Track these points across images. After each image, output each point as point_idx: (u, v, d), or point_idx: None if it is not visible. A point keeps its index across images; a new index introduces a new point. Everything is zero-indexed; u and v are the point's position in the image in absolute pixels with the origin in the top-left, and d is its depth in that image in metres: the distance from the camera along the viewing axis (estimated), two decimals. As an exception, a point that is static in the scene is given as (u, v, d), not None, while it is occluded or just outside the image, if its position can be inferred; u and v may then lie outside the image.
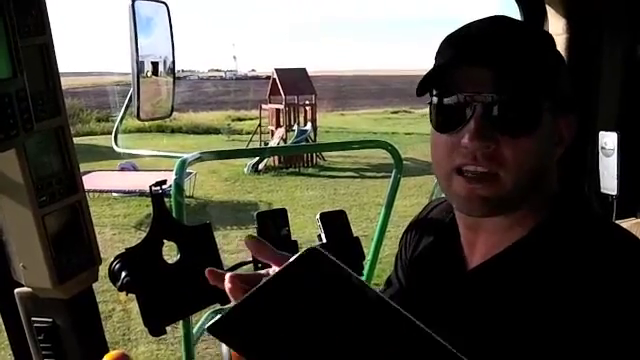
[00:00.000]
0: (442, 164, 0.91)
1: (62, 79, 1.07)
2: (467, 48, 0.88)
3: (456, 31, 0.93)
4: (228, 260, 1.26)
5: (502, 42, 0.87)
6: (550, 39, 0.93)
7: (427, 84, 0.92)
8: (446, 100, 0.89)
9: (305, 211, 8.99)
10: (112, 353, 1.15)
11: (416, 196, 10.33)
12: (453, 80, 0.88)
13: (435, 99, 0.92)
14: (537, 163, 0.88)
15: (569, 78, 0.93)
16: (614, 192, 1.97)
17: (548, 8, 1.80)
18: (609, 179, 2.00)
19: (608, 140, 1.93)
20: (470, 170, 0.87)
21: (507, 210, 0.90)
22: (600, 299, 0.79)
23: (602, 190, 1.97)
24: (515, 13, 1.85)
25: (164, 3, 1.95)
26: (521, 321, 0.84)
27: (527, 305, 0.84)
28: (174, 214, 1.94)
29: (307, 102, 16.90)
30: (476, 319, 0.90)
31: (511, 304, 0.86)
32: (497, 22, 0.92)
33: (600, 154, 1.96)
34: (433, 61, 0.94)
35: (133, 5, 1.79)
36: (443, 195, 1.02)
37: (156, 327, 1.16)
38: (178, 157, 2.26)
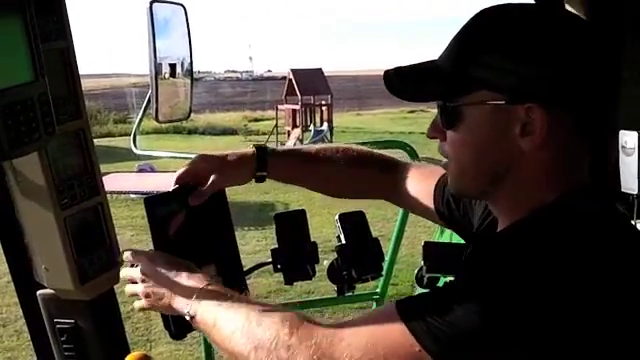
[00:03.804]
0: None
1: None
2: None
3: None
4: (246, 260, 1.27)
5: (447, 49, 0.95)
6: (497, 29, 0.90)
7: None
8: None
9: (322, 211, 8.95)
10: (134, 354, 1.15)
11: (433, 196, 10.28)
12: None
13: None
14: (474, 153, 0.93)
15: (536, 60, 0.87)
16: (635, 191, 1.96)
17: (568, 7, 1.78)
18: (630, 178, 1.98)
19: (629, 139, 1.91)
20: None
21: (471, 193, 1.04)
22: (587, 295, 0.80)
23: (623, 189, 1.96)
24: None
25: (181, 5, 1.96)
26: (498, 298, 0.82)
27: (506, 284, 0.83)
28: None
29: (323, 102, 16.94)
30: (471, 276, 0.91)
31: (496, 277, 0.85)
32: None
33: (621, 153, 1.94)
34: None
35: (151, 7, 1.80)
36: None
37: (177, 331, 1.17)
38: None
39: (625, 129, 1.90)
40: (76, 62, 1.04)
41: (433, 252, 1.88)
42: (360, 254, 1.47)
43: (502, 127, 0.88)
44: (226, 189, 1.25)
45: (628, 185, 1.96)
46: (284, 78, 19.18)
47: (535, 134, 0.87)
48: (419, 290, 2.87)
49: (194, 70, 2.12)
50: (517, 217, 0.92)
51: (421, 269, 1.98)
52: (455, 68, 0.90)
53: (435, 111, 0.96)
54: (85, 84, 1.08)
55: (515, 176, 0.91)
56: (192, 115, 2.26)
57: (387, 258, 2.46)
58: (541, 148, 0.88)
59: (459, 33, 0.93)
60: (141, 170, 12.67)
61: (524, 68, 0.86)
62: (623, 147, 1.93)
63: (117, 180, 11.10)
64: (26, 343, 5.08)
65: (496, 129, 0.89)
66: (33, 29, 0.84)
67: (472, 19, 0.93)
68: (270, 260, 1.36)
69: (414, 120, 25.78)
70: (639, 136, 1.89)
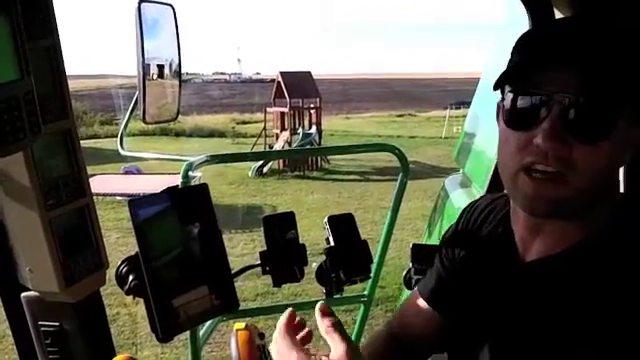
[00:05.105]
0: (511, 161, 0.90)
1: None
2: (551, 47, 0.87)
3: (539, 28, 0.93)
4: (234, 264, 1.26)
5: (588, 43, 0.86)
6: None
7: (501, 79, 0.91)
8: (522, 97, 0.89)
9: (310, 214, 8.98)
10: (119, 357, 1.14)
11: (421, 199, 10.31)
12: (532, 78, 0.87)
13: (510, 95, 0.91)
14: (607, 169, 0.87)
15: None
16: (621, 190, 1.96)
17: (556, 11, 1.79)
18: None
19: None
20: (539, 169, 0.86)
21: (571, 213, 0.90)
22: None
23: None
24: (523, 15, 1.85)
25: (170, 5, 1.95)
26: (567, 321, 0.85)
27: (573, 308, 0.85)
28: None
29: (312, 105, 16.90)
30: (524, 312, 0.93)
31: (558, 304, 0.88)
32: (584, 22, 0.92)
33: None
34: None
35: (139, 7, 1.79)
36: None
37: (163, 333, 1.15)
38: (184, 160, 2.25)
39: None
40: (62, 61, 1.03)
41: (421, 254, 1.87)
42: (349, 256, 1.47)
43: (626, 142, 0.88)
44: (214, 191, 1.24)
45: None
46: (273, 81, 19.10)
47: (633, 150, 0.90)
48: (406, 292, 2.87)
49: (182, 72, 2.11)
50: (579, 236, 0.92)
51: (409, 271, 1.97)
52: (622, 76, 0.85)
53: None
54: (71, 85, 1.07)
55: (609, 189, 0.92)
56: (179, 117, 2.25)
57: (375, 260, 2.46)
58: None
59: (603, 41, 0.87)
60: (127, 172, 12.62)
61: None
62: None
63: (103, 182, 11.04)
64: (10, 347, 5.03)
65: (625, 143, 0.88)
66: (19, 27, 0.82)
67: (609, 29, 0.89)
68: (258, 262, 1.36)
69: (402, 124, 25.87)
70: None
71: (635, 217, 0.93)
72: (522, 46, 0.92)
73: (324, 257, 1.48)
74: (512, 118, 0.90)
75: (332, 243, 1.46)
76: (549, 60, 0.86)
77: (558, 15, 1.80)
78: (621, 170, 1.98)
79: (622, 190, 1.95)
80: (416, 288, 1.28)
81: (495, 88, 0.93)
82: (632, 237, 0.88)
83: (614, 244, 0.88)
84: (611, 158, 0.86)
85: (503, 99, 0.93)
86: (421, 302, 1.25)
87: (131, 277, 1.14)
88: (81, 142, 1.09)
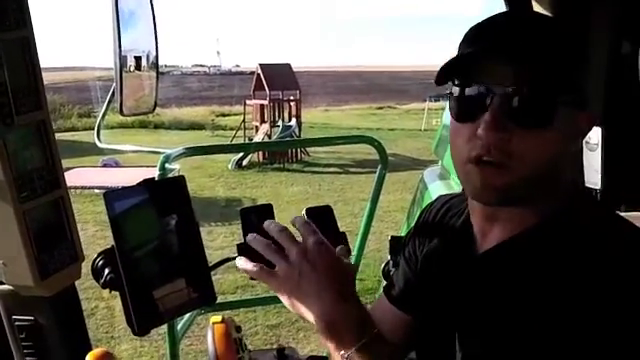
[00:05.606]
0: (459, 153, 0.93)
1: (43, 74, 1.05)
2: (489, 40, 0.90)
3: (481, 23, 0.95)
4: (213, 256, 1.25)
5: (525, 36, 0.89)
6: (577, 34, 0.94)
7: (448, 73, 0.93)
8: (466, 90, 0.91)
9: (289, 207, 8.98)
10: (95, 351, 1.13)
11: (400, 191, 10.36)
12: (472, 71, 0.90)
13: (455, 89, 0.93)
14: (550, 156, 0.89)
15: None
16: (598, 186, 1.99)
17: (534, 3, 1.80)
18: (592, 173, 2.01)
19: (592, 135, 1.94)
20: (485, 160, 0.89)
21: (520, 199, 0.93)
22: (606, 291, 0.81)
23: (586, 184, 1.99)
24: (501, 7, 1.85)
25: (147, -4, 1.93)
26: (527, 303, 0.87)
27: (533, 289, 0.87)
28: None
29: (291, 98, 16.86)
30: (485, 299, 0.94)
31: (518, 286, 0.90)
32: (522, 16, 0.98)
33: (584, 148, 1.97)
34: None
35: (116, -2, 1.77)
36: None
37: (140, 327, 1.15)
38: (162, 153, 2.24)
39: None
40: (36, 52, 1.02)
41: (400, 246, 1.88)
42: None
43: (570, 129, 0.91)
44: (192, 184, 1.23)
45: (591, 180, 2.00)
46: (252, 73, 19.01)
47: (582, 137, 0.96)
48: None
49: (160, 64, 2.10)
50: (535, 220, 0.94)
51: (388, 263, 1.98)
52: (559, 66, 0.88)
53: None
54: (49, 77, 1.06)
55: (558, 175, 0.94)
56: (159, 109, 2.23)
57: (354, 253, 2.46)
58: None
59: (540, 33, 0.91)
60: (105, 165, 12.51)
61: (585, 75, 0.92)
62: (587, 142, 1.96)
63: (81, 175, 10.94)
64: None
65: (569, 130, 0.91)
66: (-9, 17, 0.81)
67: (547, 22, 0.95)
68: (236, 255, 1.35)
69: (382, 117, 25.93)
70: (602, 132, 1.92)
71: (588, 200, 1.00)
72: (463, 41, 0.95)
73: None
74: (458, 111, 0.93)
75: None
76: (486, 53, 0.89)
77: (535, 6, 1.82)
78: (598, 159, 2.02)
79: (599, 180, 2.00)
80: (382, 293, 1.29)
81: (438, 83, 0.94)
82: (584, 220, 0.92)
83: (567, 227, 0.91)
84: (555, 145, 0.89)
85: (450, 92, 0.95)
86: (388, 306, 1.26)
87: (107, 270, 1.13)
88: (59, 134, 1.09)
